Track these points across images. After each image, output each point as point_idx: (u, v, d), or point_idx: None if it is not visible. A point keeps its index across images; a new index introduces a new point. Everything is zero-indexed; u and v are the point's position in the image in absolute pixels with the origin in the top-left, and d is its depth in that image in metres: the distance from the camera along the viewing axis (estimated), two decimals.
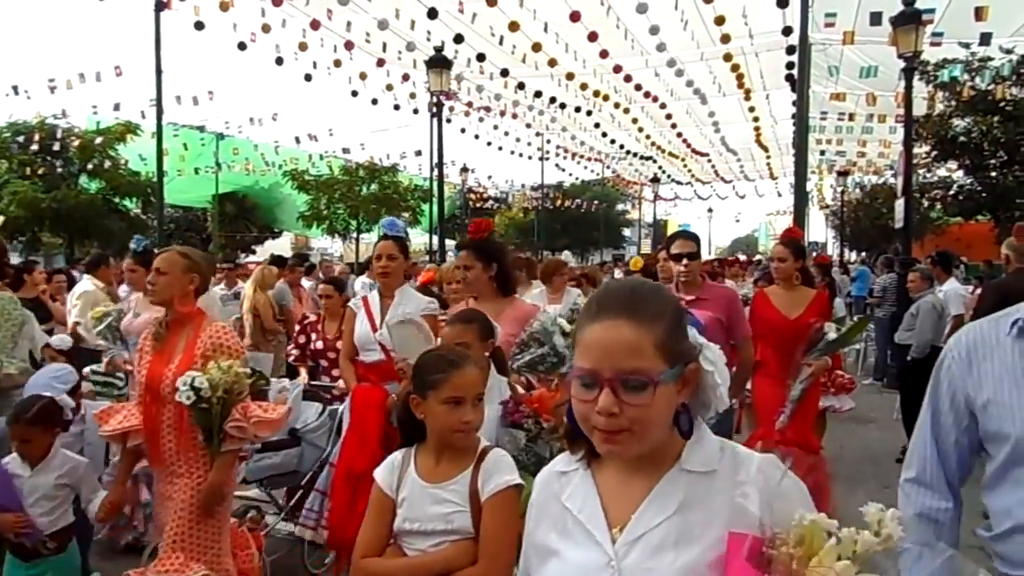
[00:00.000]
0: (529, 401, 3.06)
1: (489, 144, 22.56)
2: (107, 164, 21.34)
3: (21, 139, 19.91)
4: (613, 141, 23.40)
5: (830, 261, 12.88)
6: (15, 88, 16.44)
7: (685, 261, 4.29)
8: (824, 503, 5.03)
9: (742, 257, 26.44)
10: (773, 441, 4.76)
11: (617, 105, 18.09)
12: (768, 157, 26.00)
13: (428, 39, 13.22)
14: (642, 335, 1.18)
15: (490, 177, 34.63)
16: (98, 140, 20.83)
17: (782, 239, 5.38)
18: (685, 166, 29.58)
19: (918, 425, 1.86)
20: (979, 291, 9.50)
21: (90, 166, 21.48)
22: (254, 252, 32.17)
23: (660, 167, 29.92)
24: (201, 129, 24.27)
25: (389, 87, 16.13)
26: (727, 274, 11.85)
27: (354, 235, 28.59)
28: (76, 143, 20.37)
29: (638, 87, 16.33)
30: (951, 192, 19.05)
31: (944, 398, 1.80)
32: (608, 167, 31.60)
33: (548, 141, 26.61)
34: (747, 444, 4.83)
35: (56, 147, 19.57)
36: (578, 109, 18.64)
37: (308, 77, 14.65)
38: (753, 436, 4.98)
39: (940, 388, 1.81)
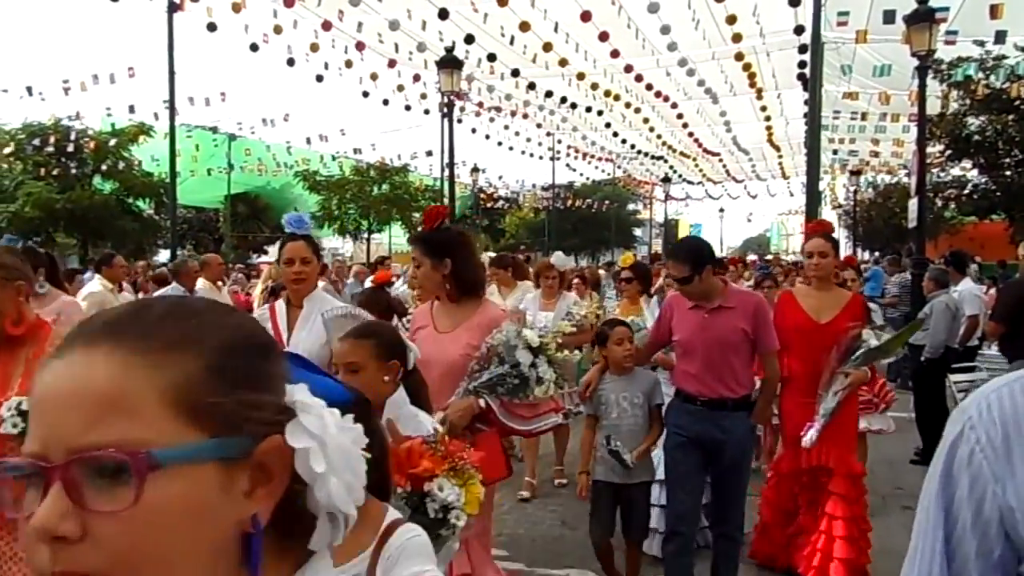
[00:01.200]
0: (394, 453, 1.98)
1: (500, 144, 22.62)
2: (121, 165, 21.48)
3: (36, 141, 20.08)
4: (624, 141, 23.39)
5: (857, 262, 12.70)
6: (30, 90, 16.63)
7: (676, 285, 3.75)
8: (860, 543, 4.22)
9: (751, 257, 26.24)
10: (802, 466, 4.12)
11: (628, 105, 18.08)
12: (780, 157, 25.90)
13: (440, 40, 13.25)
14: (133, 372, 0.61)
15: (501, 177, 34.84)
16: (112, 141, 20.98)
17: (817, 231, 4.36)
18: (696, 166, 29.53)
19: (917, 547, 0.99)
20: (993, 291, 9.44)
21: (104, 167, 21.62)
22: (266, 252, 32.35)
23: (671, 167, 29.87)
24: (213, 130, 24.44)
25: (400, 88, 16.19)
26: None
27: (365, 235, 28.75)
28: (90, 144, 20.50)
29: (649, 87, 16.31)
30: (965, 191, 18.93)
31: (963, 508, 0.96)
32: (619, 167, 31.61)
33: (559, 141, 26.64)
34: (772, 469, 4.50)
35: (70, 148, 19.71)
36: (589, 109, 18.64)
37: (320, 78, 14.74)
38: (780, 460, 4.41)
39: (956, 490, 0.95)
